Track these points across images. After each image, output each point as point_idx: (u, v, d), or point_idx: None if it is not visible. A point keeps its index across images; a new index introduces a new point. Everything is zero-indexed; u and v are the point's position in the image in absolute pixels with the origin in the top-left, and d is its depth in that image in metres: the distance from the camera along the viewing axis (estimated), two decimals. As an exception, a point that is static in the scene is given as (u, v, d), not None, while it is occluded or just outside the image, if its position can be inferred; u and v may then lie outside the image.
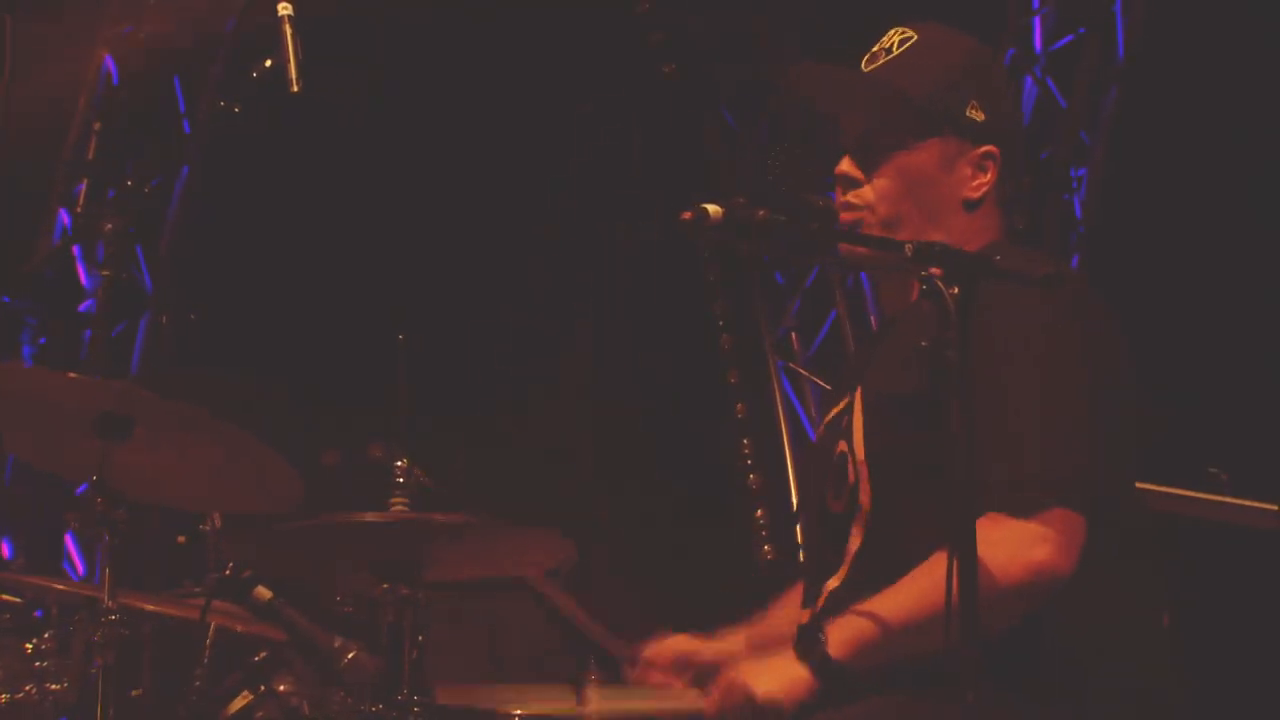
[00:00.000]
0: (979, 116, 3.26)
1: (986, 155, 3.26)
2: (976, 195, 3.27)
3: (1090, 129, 7.00)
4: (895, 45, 3.32)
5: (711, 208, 2.94)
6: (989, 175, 3.27)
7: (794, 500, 8.34)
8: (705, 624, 3.50)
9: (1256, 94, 6.20)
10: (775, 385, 8.38)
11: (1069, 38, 7.13)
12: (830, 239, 3.43)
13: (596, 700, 3.36)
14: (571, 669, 7.04)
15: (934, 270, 2.76)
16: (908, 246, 2.83)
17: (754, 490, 7.76)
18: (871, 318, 8.05)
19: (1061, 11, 7.17)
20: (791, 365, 8.43)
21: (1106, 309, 3.18)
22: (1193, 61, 6.44)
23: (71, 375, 3.74)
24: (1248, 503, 4.98)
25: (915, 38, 3.32)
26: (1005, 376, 3.00)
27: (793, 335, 8.43)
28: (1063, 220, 6.91)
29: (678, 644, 3.44)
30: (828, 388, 8.27)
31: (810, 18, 7.36)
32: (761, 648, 3.37)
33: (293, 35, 3.76)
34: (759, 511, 7.69)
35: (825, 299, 8.27)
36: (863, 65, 3.35)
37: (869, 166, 3.28)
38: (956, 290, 2.72)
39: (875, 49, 3.35)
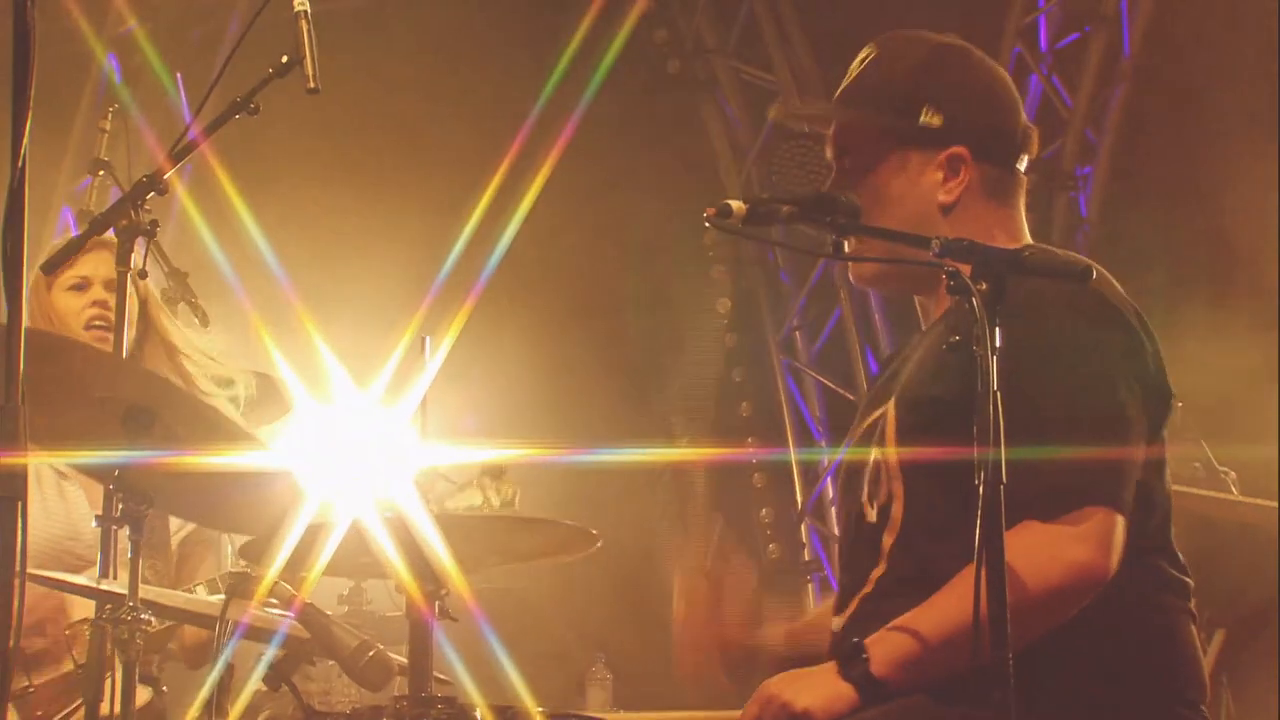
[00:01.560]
0: (935, 121, 3.22)
1: (954, 158, 3.21)
2: (950, 199, 3.21)
3: (1096, 127, 7.01)
4: (858, 66, 3.31)
5: (735, 203, 2.92)
6: (962, 176, 3.21)
7: (798, 499, 8.39)
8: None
9: (1260, 91, 6.22)
10: (780, 384, 8.41)
11: (1074, 36, 7.15)
12: (854, 234, 3.39)
13: None
14: (579, 667, 7.07)
15: (959, 266, 2.74)
16: (935, 242, 2.79)
17: (758, 489, 7.79)
18: (876, 317, 8.08)
19: (1066, 10, 7.19)
20: (796, 364, 8.46)
21: (1127, 303, 3.16)
22: (1197, 59, 6.45)
23: (113, 354, 3.70)
24: (1253, 500, 5.01)
25: (873, 55, 3.30)
26: (1039, 377, 2.95)
27: (797, 334, 8.45)
28: (1068, 218, 6.92)
29: (716, 626, 3.39)
30: (832, 386, 8.38)
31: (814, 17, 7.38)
32: (801, 644, 3.36)
33: (309, 31, 3.74)
34: (763, 510, 7.71)
35: (830, 298, 8.28)
36: (837, 93, 3.35)
37: (850, 190, 3.19)
38: (984, 286, 2.69)
39: (851, 69, 3.34)
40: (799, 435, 8.40)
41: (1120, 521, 2.93)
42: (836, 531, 7.86)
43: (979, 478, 2.62)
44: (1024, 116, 3.36)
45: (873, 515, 3.15)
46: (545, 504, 3.80)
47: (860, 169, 3.24)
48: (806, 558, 8.22)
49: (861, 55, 3.32)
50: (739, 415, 7.90)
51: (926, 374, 3.14)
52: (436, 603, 3.61)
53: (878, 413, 3.23)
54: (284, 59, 3.71)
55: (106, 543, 3.66)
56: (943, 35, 3.39)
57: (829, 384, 8.36)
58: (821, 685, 2.94)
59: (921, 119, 3.23)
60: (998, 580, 2.60)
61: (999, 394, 2.62)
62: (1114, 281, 3.15)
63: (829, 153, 3.32)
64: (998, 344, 2.66)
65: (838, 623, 3.20)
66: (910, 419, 3.12)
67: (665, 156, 7.80)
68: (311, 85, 3.71)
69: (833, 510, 8.20)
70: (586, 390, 7.78)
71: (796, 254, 8.36)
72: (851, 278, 3.37)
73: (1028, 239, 3.26)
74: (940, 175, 3.22)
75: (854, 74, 3.31)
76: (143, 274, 3.90)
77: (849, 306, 8.16)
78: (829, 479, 8.23)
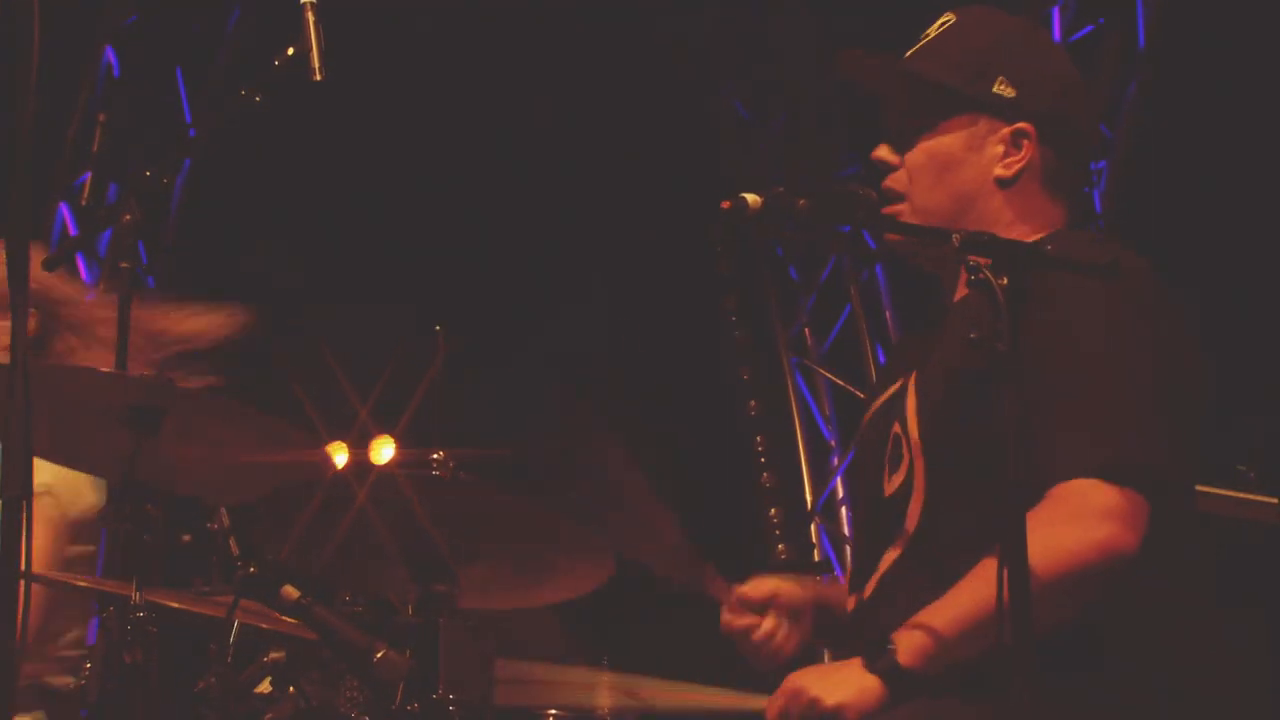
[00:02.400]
0: (1008, 93, 3.22)
1: (1019, 133, 3.22)
2: (1009, 174, 3.21)
3: (1110, 121, 6.97)
4: (935, 31, 3.31)
5: (750, 197, 2.90)
6: (1024, 153, 3.21)
7: (808, 498, 8.36)
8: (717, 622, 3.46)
9: (1278, 85, 6.19)
10: (789, 382, 8.38)
11: (1089, 28, 7.12)
12: (873, 229, 3.38)
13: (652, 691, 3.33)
14: (583, 668, 7.01)
15: (982, 260, 2.71)
16: (955, 236, 2.77)
17: (767, 488, 7.72)
18: (887, 313, 8.05)
19: (1081, 2, 7.16)
20: (806, 362, 8.43)
21: (1173, 300, 3.12)
22: (1214, 52, 6.42)
23: (102, 370, 3.67)
24: (1257, 497, 4.97)
25: (953, 21, 3.30)
26: (1069, 358, 2.95)
27: (806, 331, 8.43)
28: (1083, 214, 6.87)
29: (767, 584, 3.38)
30: (841, 384, 8.36)
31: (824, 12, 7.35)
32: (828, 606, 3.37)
33: (315, 22, 3.69)
34: (773, 510, 7.65)
35: (840, 295, 8.26)
36: (907, 54, 3.34)
37: (902, 152, 3.27)
38: (1005, 280, 2.67)
39: (923, 35, 3.33)
40: (808, 434, 8.37)
41: (1144, 502, 2.91)
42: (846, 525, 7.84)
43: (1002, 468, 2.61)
44: (1091, 121, 3.36)
45: (890, 491, 3.14)
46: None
47: (924, 129, 3.25)
48: (816, 558, 8.20)
49: (940, 20, 3.33)
50: (746, 414, 7.84)
51: (949, 351, 3.13)
52: (445, 602, 3.59)
53: (896, 386, 3.22)
54: (289, 51, 3.67)
55: (112, 541, 3.64)
56: (1020, 15, 3.41)
57: (839, 382, 8.33)
58: (850, 680, 2.92)
59: (995, 88, 3.21)
60: (1018, 574, 2.58)
61: (1023, 384, 2.62)
62: (1146, 269, 3.12)
63: (888, 112, 3.32)
64: (1027, 334, 2.64)
65: (853, 603, 3.20)
66: (929, 396, 3.12)
67: (670, 150, 7.77)
68: (318, 77, 3.67)
69: (843, 510, 8.21)
70: (589, 388, 7.73)
71: (806, 250, 8.35)
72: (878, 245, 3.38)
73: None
74: (1002, 149, 3.24)
75: (930, 36, 3.31)
76: (145, 270, 3.84)
77: (859, 303, 8.14)
78: (839, 478, 8.24)
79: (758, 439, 7.71)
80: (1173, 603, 3.03)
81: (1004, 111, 3.22)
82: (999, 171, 3.22)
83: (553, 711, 3.79)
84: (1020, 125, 3.22)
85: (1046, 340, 2.87)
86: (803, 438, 8.32)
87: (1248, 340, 6.04)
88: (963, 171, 3.23)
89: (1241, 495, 4.97)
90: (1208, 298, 6.08)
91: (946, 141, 3.23)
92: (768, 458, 7.69)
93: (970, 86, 3.23)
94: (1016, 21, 3.35)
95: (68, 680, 3.96)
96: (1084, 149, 3.36)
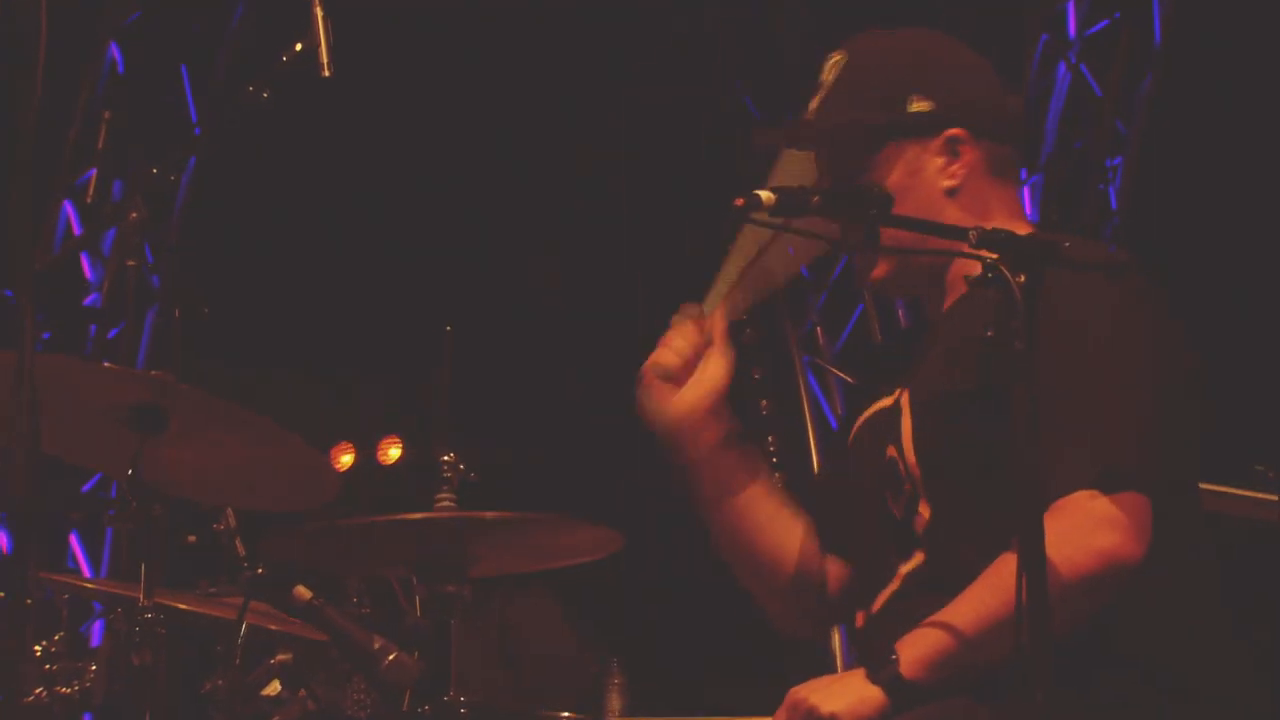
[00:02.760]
0: (925, 106, 3.16)
1: (950, 140, 3.16)
2: (954, 182, 3.16)
3: (1125, 117, 6.96)
4: (829, 76, 3.23)
5: (764, 193, 2.84)
6: (965, 157, 3.16)
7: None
8: (728, 624, 3.42)
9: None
10: (800, 381, 8.34)
11: (1104, 23, 7.10)
12: (887, 225, 3.33)
13: None
14: (585, 670, 7.00)
15: (995, 257, 2.68)
16: (971, 233, 2.72)
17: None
18: (899, 312, 8.02)
19: (1095, -5, 7.17)
20: (817, 360, 8.40)
21: (1166, 298, 3.09)
22: (1229, 48, 6.39)
23: (107, 365, 3.67)
24: (1258, 495, 4.95)
25: (843, 60, 3.22)
26: (1069, 362, 2.91)
27: (818, 330, 8.40)
28: (1098, 211, 6.87)
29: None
30: (854, 383, 8.31)
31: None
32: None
33: (323, 18, 3.66)
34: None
35: (851, 293, 8.23)
36: (810, 109, 3.26)
37: None
38: (1023, 278, 2.62)
39: (819, 83, 3.25)
40: (820, 434, 8.34)
41: (1146, 505, 2.89)
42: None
43: (1013, 469, 2.58)
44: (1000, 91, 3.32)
45: (898, 511, 3.10)
46: (560, 501, 3.78)
47: (859, 172, 3.18)
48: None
49: (830, 61, 3.25)
50: (758, 413, 7.81)
51: (944, 367, 3.10)
52: (455, 603, 3.58)
53: (890, 401, 3.18)
54: (297, 47, 3.64)
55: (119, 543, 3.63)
56: (908, 27, 3.33)
57: (851, 381, 8.30)
58: (850, 690, 2.92)
59: (911, 107, 3.17)
60: (1036, 575, 2.56)
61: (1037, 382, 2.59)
62: (1148, 271, 3.08)
63: (821, 172, 3.25)
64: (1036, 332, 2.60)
65: (860, 619, 3.17)
66: (928, 414, 3.08)
67: (678, 147, 7.75)
68: (326, 73, 3.64)
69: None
70: (597, 387, 7.71)
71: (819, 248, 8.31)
72: (858, 283, 3.31)
73: (1026, 220, 3.24)
74: (941, 160, 3.18)
75: (828, 81, 3.24)
76: (150, 269, 3.84)
77: (871, 302, 8.11)
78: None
79: (769, 439, 7.66)
80: (1179, 602, 3.00)
81: (928, 127, 3.16)
82: (945, 183, 3.17)
83: (565, 714, 3.77)
84: (950, 132, 3.17)
85: (1054, 339, 2.81)
86: (814, 437, 8.29)
87: (1265, 335, 6.02)
88: (910, 199, 3.14)
89: (1258, 495, 4.95)
90: (1224, 292, 6.08)
91: (881, 178, 3.16)
92: (779, 458, 7.65)
93: (885, 117, 3.17)
94: (907, 34, 3.30)
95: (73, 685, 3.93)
96: (1015, 122, 3.30)
